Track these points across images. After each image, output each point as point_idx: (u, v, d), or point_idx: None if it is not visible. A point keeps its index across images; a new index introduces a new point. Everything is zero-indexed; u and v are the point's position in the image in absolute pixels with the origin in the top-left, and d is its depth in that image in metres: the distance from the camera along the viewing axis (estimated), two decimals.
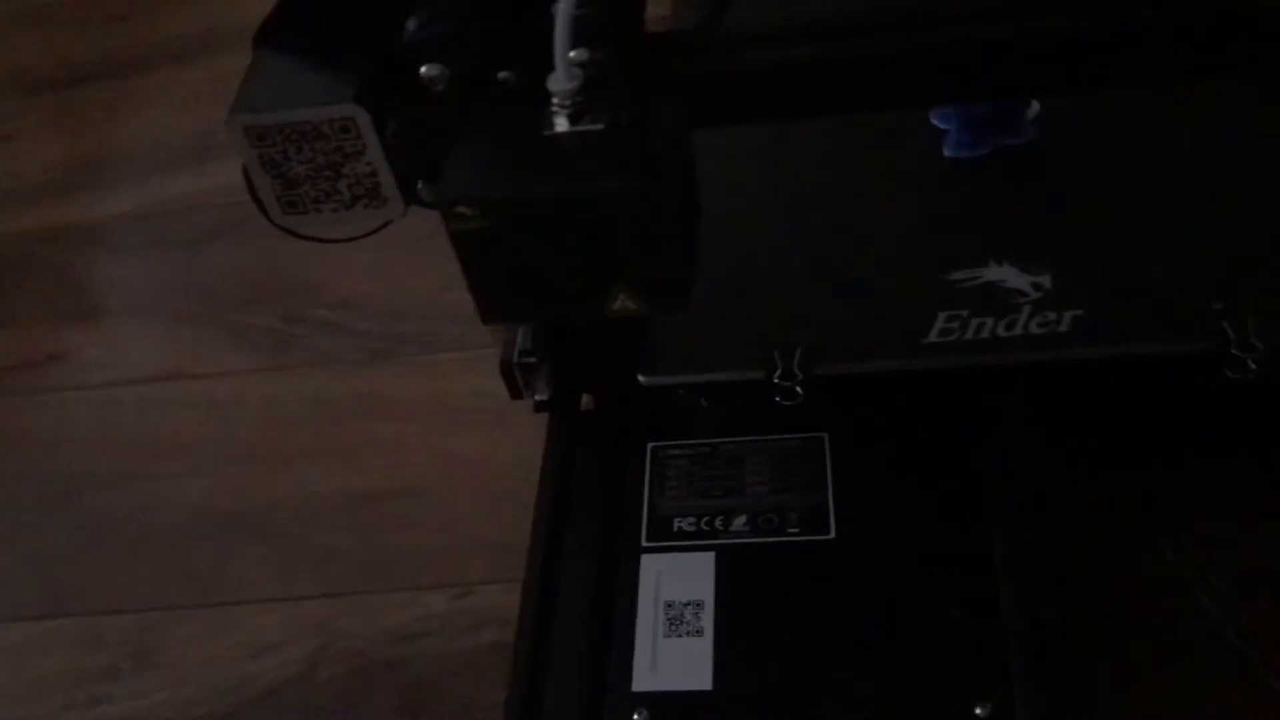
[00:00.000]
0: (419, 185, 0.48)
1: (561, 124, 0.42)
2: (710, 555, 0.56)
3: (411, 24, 0.45)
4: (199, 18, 1.07)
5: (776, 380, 0.52)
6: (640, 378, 0.55)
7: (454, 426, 0.72)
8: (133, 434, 0.77)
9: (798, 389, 0.52)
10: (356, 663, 0.63)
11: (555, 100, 0.42)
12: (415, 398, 0.75)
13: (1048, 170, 0.59)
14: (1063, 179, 0.58)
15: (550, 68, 0.42)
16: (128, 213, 0.92)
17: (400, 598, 0.65)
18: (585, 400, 0.63)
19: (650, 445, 0.60)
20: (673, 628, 0.54)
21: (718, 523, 0.57)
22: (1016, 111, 0.60)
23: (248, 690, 0.63)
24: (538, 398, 0.61)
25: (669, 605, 0.55)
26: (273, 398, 0.77)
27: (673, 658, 0.53)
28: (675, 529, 0.57)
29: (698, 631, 0.54)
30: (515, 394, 0.61)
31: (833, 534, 0.55)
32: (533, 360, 0.60)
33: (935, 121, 0.61)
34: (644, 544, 0.57)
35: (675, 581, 0.55)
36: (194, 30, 1.06)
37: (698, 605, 0.55)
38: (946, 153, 0.60)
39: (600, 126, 0.42)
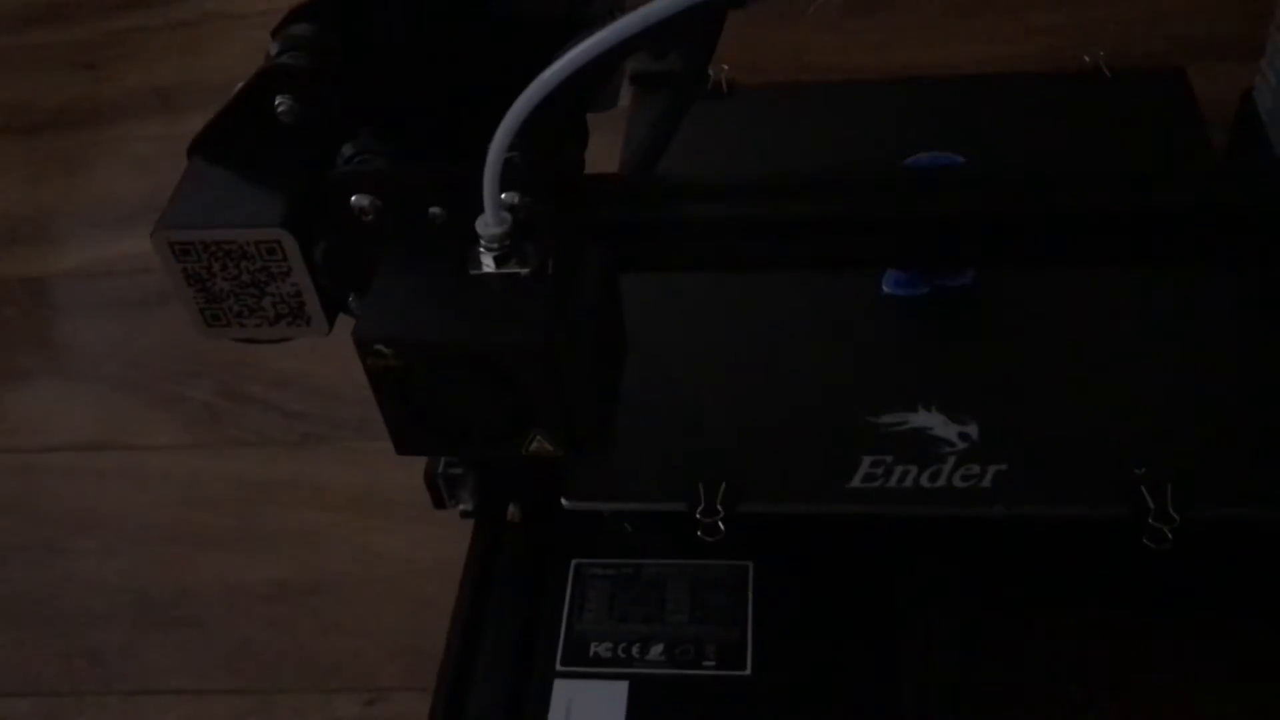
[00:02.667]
0: (350, 298, 0.48)
1: (488, 264, 0.42)
2: (624, 685, 0.55)
3: (346, 151, 0.45)
4: (167, 73, 1.07)
5: (698, 516, 0.52)
6: (563, 502, 0.55)
7: (380, 521, 0.71)
8: (54, 505, 0.75)
9: (720, 524, 0.52)
10: None
11: (483, 242, 0.42)
12: (343, 487, 0.74)
13: (983, 316, 0.59)
14: (997, 326, 0.59)
15: (479, 209, 0.42)
16: (72, 270, 0.91)
17: (310, 700, 0.64)
18: (512, 511, 0.62)
19: (574, 562, 0.60)
20: None
21: (634, 650, 0.56)
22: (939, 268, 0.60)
23: None
24: (462, 508, 0.61)
25: None
26: (200, 476, 0.75)
27: None
28: (591, 654, 0.57)
29: None
30: (439, 504, 0.60)
31: (749, 669, 0.55)
32: (458, 472, 0.59)
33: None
34: (558, 668, 0.56)
35: (586, 710, 0.55)
36: (160, 85, 1.06)
37: None
38: (884, 289, 0.60)
39: (526, 271, 0.42)
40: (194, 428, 0.79)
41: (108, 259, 0.91)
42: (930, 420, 0.54)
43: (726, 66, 0.74)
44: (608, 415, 0.44)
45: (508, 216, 0.41)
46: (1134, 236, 0.42)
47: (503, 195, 0.41)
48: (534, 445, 0.43)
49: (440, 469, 0.59)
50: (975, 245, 0.41)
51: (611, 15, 0.38)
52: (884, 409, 0.55)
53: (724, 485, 0.53)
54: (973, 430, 0.54)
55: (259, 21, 1.06)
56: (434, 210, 0.44)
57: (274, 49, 0.45)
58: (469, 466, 0.59)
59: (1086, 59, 0.73)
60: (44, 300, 0.89)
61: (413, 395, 0.42)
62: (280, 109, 0.44)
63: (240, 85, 0.45)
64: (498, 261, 0.42)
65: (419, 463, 0.75)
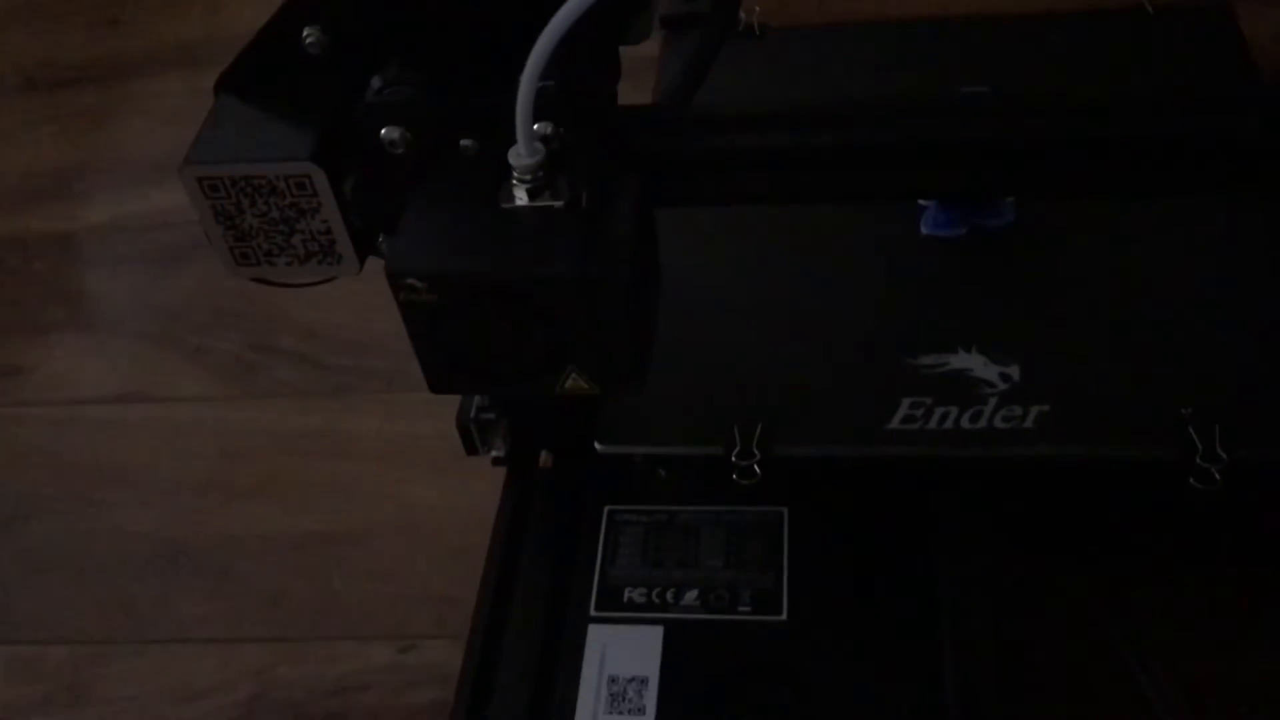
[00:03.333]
0: (380, 239, 0.47)
1: (520, 197, 0.41)
2: (659, 629, 0.55)
3: (375, 84, 0.44)
4: (193, 27, 1.06)
5: (734, 458, 0.51)
6: (596, 445, 0.54)
7: (412, 471, 0.71)
8: (86, 457, 0.75)
9: (755, 468, 0.51)
10: (293, 714, 0.62)
11: (515, 174, 0.41)
12: (375, 437, 0.73)
13: (1024, 256, 0.58)
14: (1038, 267, 0.57)
15: (512, 140, 0.41)
16: (101, 224, 0.91)
17: (344, 647, 0.64)
18: (544, 457, 0.62)
19: (607, 508, 0.59)
20: (614, 705, 0.53)
21: (669, 595, 0.56)
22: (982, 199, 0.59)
23: None
24: (494, 454, 0.60)
25: (612, 680, 0.53)
26: (231, 428, 0.75)
27: None
28: (625, 599, 0.56)
29: (639, 710, 0.52)
30: (471, 449, 0.59)
31: (784, 615, 0.54)
32: (490, 417, 0.59)
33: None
34: (592, 613, 0.56)
35: (621, 655, 0.54)
36: (186, 40, 1.05)
37: (641, 682, 0.53)
38: (924, 230, 0.59)
39: (559, 204, 0.41)
40: (224, 380, 0.78)
41: (134, 214, 0.91)
42: (971, 361, 0.53)
43: (758, 8, 0.72)
44: (644, 352, 0.43)
45: (541, 147, 0.40)
46: (1184, 163, 0.40)
47: (535, 126, 0.40)
48: (569, 383, 0.42)
49: (472, 414, 0.58)
50: (1019, 173, 0.40)
51: None
52: (923, 350, 0.54)
53: (759, 428, 0.52)
54: (1014, 371, 0.53)
55: None
56: (465, 142, 0.43)
57: None
58: (501, 412, 0.59)
59: None
60: (72, 255, 0.89)
61: (446, 331, 0.41)
62: (308, 40, 0.43)
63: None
64: (530, 194, 0.41)
65: (449, 413, 0.75)
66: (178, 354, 0.80)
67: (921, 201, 0.60)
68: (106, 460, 0.75)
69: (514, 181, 0.41)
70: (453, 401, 0.76)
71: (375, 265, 0.48)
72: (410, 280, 0.40)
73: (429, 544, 0.67)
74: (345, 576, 0.67)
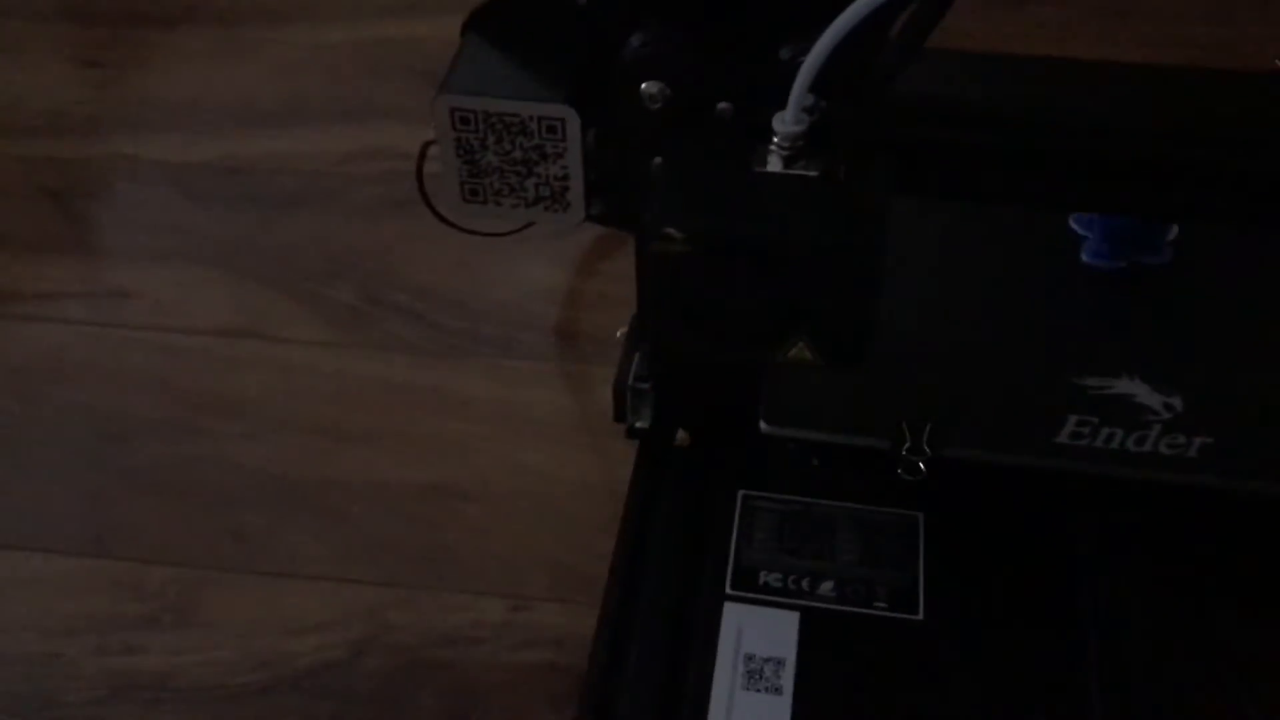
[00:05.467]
0: (594, 201, 0.48)
1: (775, 164, 0.42)
2: (795, 615, 0.55)
3: (635, 40, 0.45)
4: None
5: (904, 453, 0.52)
6: (763, 425, 0.55)
7: (526, 438, 0.71)
8: (194, 385, 0.75)
9: (920, 465, 0.52)
10: (403, 659, 0.62)
11: (776, 140, 0.42)
12: (489, 401, 0.74)
13: (1182, 293, 0.60)
14: (1196, 304, 0.59)
15: (769, 107, 0.42)
16: (211, 161, 0.91)
17: (456, 600, 0.64)
18: (681, 435, 0.63)
19: (741, 492, 0.60)
20: (751, 681, 0.53)
21: (804, 583, 0.57)
22: (1157, 230, 0.61)
23: (286, 667, 0.62)
24: (639, 424, 0.61)
25: (749, 658, 0.54)
26: (344, 374, 0.76)
27: (748, 711, 0.52)
28: (760, 582, 0.57)
29: (776, 689, 0.53)
30: (620, 417, 0.60)
31: (921, 615, 0.55)
32: (645, 387, 0.59)
33: (1075, 226, 0.62)
34: (728, 591, 0.56)
35: (757, 635, 0.55)
36: None
37: (778, 662, 0.54)
38: (1084, 259, 0.61)
39: (814, 173, 0.42)
40: (336, 327, 0.79)
41: (247, 156, 0.91)
42: (1135, 388, 0.54)
43: None
44: (870, 331, 0.44)
45: (806, 117, 0.41)
46: None
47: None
48: (794, 351, 0.43)
49: (630, 382, 0.59)
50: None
51: None
52: (1089, 372, 0.55)
53: (929, 427, 0.53)
54: (1177, 402, 0.54)
55: None
56: (722, 105, 0.44)
57: None
58: (654, 384, 0.59)
59: (1278, 61, 0.73)
60: (183, 188, 0.89)
61: (687, 286, 0.42)
62: None
63: None
64: (786, 162, 0.42)
65: (563, 384, 0.76)
66: (290, 296, 0.81)
67: (1082, 232, 0.61)
68: (214, 391, 0.75)
69: (772, 148, 0.42)
70: (561, 374, 0.78)
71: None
72: (669, 230, 0.41)
73: (540, 509, 0.68)
74: (457, 530, 0.67)
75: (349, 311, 0.80)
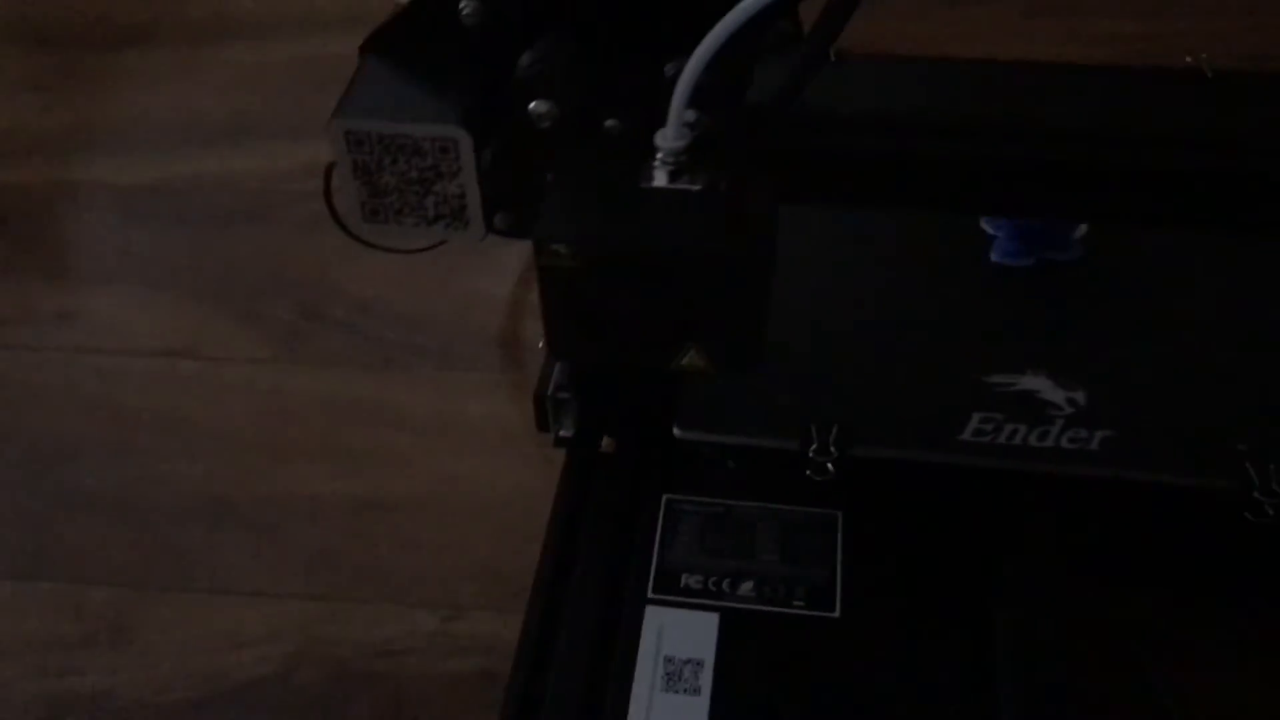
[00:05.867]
0: (497, 215, 0.49)
1: (660, 179, 0.43)
2: (715, 616, 0.56)
3: (526, 59, 0.46)
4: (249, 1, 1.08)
5: (811, 454, 0.53)
6: (676, 430, 0.56)
7: (461, 448, 0.72)
8: (133, 406, 0.76)
9: (829, 466, 0.53)
10: (336, 670, 0.63)
11: (660, 155, 0.43)
12: (424, 413, 0.75)
13: (1089, 289, 0.61)
14: (1103, 300, 0.60)
15: (656, 123, 0.43)
16: (153, 182, 0.92)
17: (389, 611, 0.65)
18: (606, 442, 0.64)
19: (665, 496, 0.61)
20: (670, 683, 0.54)
21: (725, 584, 0.58)
22: (1065, 227, 0.62)
23: (222, 682, 0.63)
24: (562, 433, 0.62)
25: (669, 660, 0.55)
26: (280, 391, 0.76)
27: (667, 713, 0.53)
28: (682, 584, 0.58)
29: (695, 690, 0.54)
30: (543, 426, 0.61)
31: (838, 612, 0.56)
32: (566, 396, 0.60)
33: (984, 226, 0.63)
34: (650, 595, 0.57)
35: (678, 637, 0.56)
36: (243, 11, 1.07)
37: (698, 664, 0.55)
38: (993, 258, 0.62)
39: (698, 188, 0.43)
40: (274, 344, 0.80)
41: (189, 175, 0.92)
42: (1039, 384, 0.56)
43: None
44: (761, 339, 0.45)
45: (688, 132, 0.42)
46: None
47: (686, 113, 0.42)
48: (688, 360, 0.44)
49: (550, 392, 0.60)
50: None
51: None
52: (994, 369, 0.56)
53: (836, 427, 0.54)
54: (1080, 396, 0.55)
55: None
56: (610, 122, 0.45)
57: None
58: (576, 393, 0.60)
59: (1189, 59, 0.74)
60: (126, 210, 0.90)
61: (579, 299, 0.43)
62: (465, 11, 0.45)
63: None
64: (671, 176, 0.43)
65: (499, 394, 0.77)
66: (229, 315, 0.81)
67: (991, 231, 0.63)
68: (154, 411, 0.76)
69: (656, 163, 0.43)
70: (500, 385, 0.79)
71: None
72: (555, 245, 0.42)
73: (474, 518, 0.69)
74: (391, 542, 0.68)
75: (288, 328, 0.80)
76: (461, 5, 0.45)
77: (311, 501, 0.70)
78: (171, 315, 0.82)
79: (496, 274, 0.83)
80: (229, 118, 0.96)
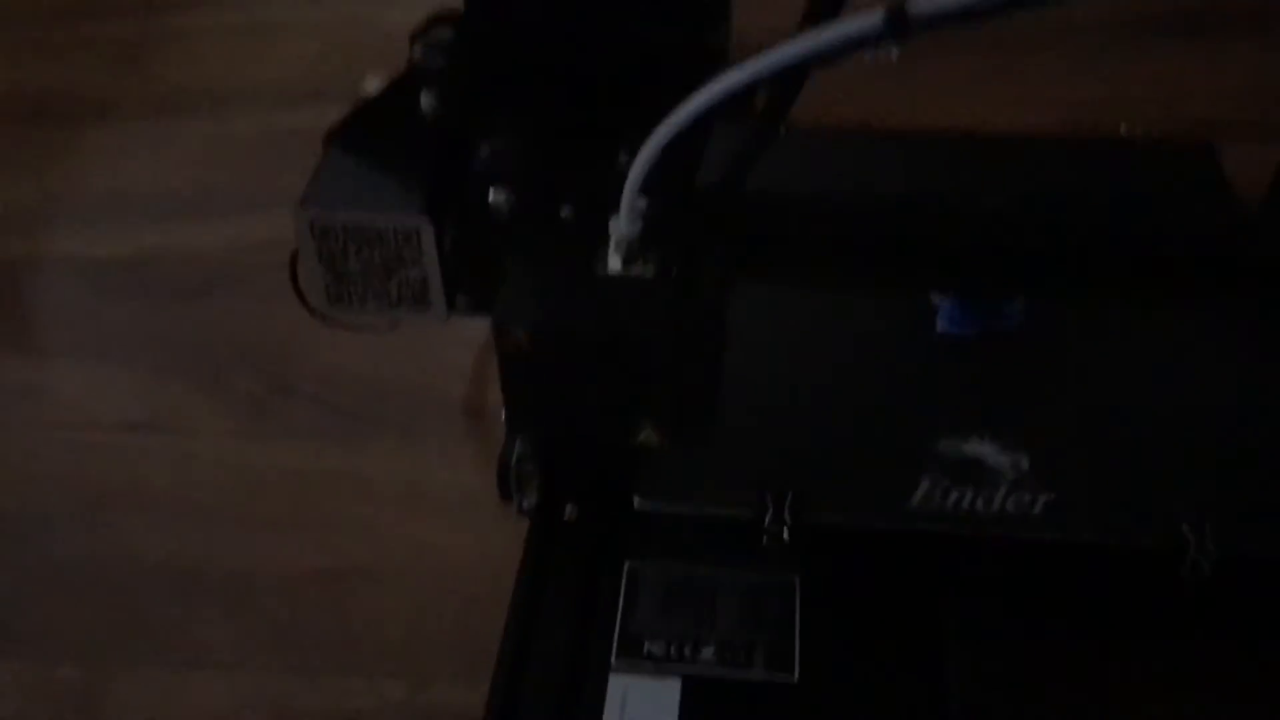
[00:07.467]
0: (458, 297, 0.51)
1: (615, 264, 0.45)
2: (677, 682, 0.58)
3: (484, 150, 0.48)
4: (215, 74, 1.09)
5: (767, 522, 0.55)
6: (635, 500, 0.58)
7: (428, 518, 0.73)
8: (99, 480, 0.77)
9: (784, 533, 0.55)
10: None
11: (613, 241, 0.45)
12: (392, 482, 0.76)
13: (1032, 356, 0.63)
14: (1045, 367, 0.63)
15: (610, 209, 0.45)
16: (118, 255, 0.93)
17: (356, 683, 0.66)
18: (569, 511, 0.65)
19: (628, 563, 0.62)
20: None
21: (687, 650, 0.59)
22: (1008, 297, 0.64)
23: None
24: (525, 503, 0.63)
25: None
26: (248, 464, 0.77)
27: None
28: (645, 651, 0.59)
29: None
30: (506, 495, 0.62)
31: (796, 676, 0.57)
32: (529, 468, 0.62)
33: (931, 295, 0.65)
34: (613, 662, 0.59)
35: (640, 704, 0.57)
36: (208, 86, 1.08)
37: None
38: (939, 327, 0.64)
39: (651, 273, 0.45)
40: (241, 416, 0.80)
41: (157, 247, 0.93)
42: (984, 450, 0.58)
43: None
44: (711, 413, 0.47)
45: (640, 219, 0.45)
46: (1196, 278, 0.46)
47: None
48: (643, 435, 0.46)
49: (513, 463, 0.61)
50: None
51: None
52: (941, 436, 0.58)
53: (790, 496, 0.56)
54: (1024, 461, 0.57)
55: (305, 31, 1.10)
56: (565, 211, 0.47)
57: (417, 51, 0.48)
58: (538, 464, 0.62)
59: (1123, 128, 0.77)
60: (92, 282, 0.91)
61: (536, 379, 0.45)
62: (425, 103, 0.47)
63: (380, 83, 0.48)
64: (625, 261, 0.45)
65: (465, 462, 0.78)
66: (196, 387, 0.82)
67: (936, 300, 0.65)
68: (120, 486, 0.76)
69: (611, 249, 0.45)
70: (464, 454, 0.80)
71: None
72: (513, 330, 0.44)
73: (445, 589, 0.70)
74: (360, 613, 0.69)
75: (253, 400, 0.81)
76: (422, 98, 0.47)
77: (279, 573, 0.71)
78: (139, 388, 0.82)
79: (461, 344, 0.85)
80: (195, 190, 0.97)
